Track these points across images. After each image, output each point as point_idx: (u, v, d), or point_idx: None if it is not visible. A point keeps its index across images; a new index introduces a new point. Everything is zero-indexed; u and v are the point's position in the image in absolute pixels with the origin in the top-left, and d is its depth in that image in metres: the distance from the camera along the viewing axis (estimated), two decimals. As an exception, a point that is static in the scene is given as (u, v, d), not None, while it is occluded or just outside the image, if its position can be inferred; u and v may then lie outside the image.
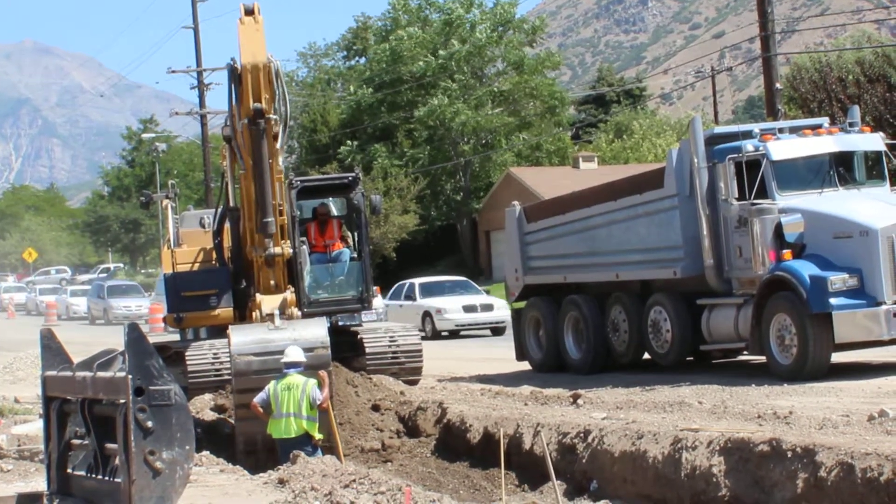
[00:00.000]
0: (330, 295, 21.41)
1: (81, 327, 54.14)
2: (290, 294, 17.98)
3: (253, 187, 16.98)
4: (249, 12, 16.53)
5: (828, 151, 19.96)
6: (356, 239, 22.11)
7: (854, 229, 18.56)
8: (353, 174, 21.97)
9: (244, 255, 19.49)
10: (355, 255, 21.93)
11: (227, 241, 20.95)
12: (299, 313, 17.71)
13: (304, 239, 21.16)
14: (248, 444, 16.71)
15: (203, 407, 19.27)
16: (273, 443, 15.94)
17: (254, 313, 17.67)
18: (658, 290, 21.60)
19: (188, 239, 23.07)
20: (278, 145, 16.86)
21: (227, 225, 20.76)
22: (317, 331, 16.72)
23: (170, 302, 21.14)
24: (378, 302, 34.28)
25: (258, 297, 17.82)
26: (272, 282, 17.94)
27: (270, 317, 17.15)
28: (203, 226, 23.43)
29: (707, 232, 19.98)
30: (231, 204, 20.24)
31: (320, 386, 15.83)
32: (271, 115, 16.39)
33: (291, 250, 19.07)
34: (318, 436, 15.75)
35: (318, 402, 15.72)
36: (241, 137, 16.78)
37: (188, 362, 20.24)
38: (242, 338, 16.73)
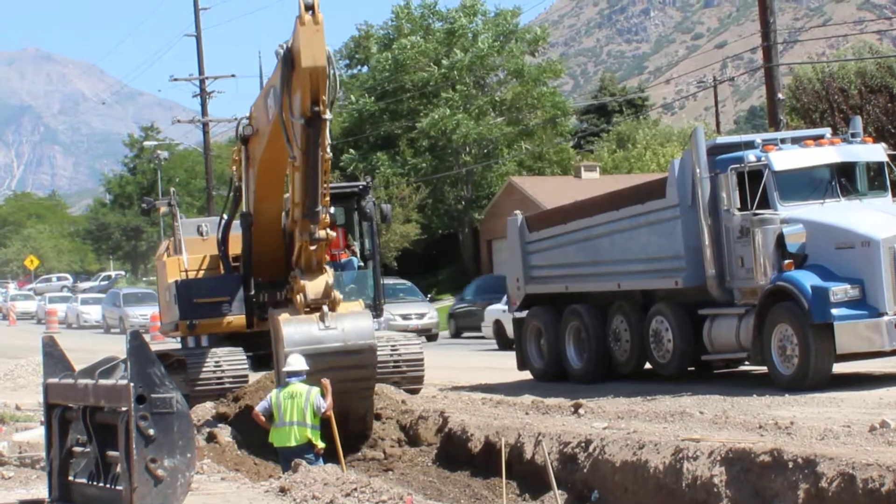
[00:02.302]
0: None
1: (95, 336, 54.08)
2: (330, 276, 17.94)
3: (303, 178, 16.94)
4: (309, 7, 15.95)
5: (830, 162, 19.98)
6: (366, 247, 22.10)
7: (856, 240, 18.57)
8: (365, 182, 21.91)
9: (287, 240, 19.30)
10: (362, 264, 21.92)
11: (232, 249, 20.95)
12: (341, 296, 17.89)
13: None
14: None
15: (205, 415, 19.28)
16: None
17: (297, 297, 17.68)
18: (660, 300, 21.60)
19: (186, 246, 23.05)
20: (328, 137, 16.78)
21: (232, 233, 20.75)
22: (364, 329, 17.29)
23: (182, 309, 21.08)
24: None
25: (301, 280, 17.74)
26: (314, 261, 17.89)
27: (316, 302, 17.35)
28: (201, 233, 23.40)
29: (709, 242, 19.99)
30: (244, 209, 20.11)
31: (323, 394, 15.86)
32: (327, 117, 16.28)
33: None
34: (320, 444, 15.77)
35: (322, 411, 15.74)
36: (290, 128, 16.61)
37: (190, 370, 20.25)
38: (295, 334, 17.01)
